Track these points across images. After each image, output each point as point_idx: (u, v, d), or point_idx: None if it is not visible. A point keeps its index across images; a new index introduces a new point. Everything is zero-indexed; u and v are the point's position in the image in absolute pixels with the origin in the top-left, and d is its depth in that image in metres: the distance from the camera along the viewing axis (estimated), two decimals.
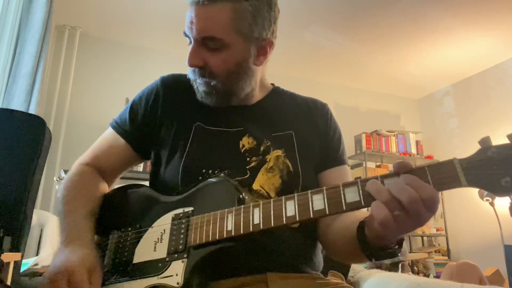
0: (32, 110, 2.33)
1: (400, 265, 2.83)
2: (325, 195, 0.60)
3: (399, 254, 0.65)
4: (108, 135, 0.96)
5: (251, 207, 0.66)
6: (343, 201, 0.59)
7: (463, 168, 0.54)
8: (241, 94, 0.88)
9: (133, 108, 0.94)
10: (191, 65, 0.83)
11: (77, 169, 0.92)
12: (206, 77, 0.84)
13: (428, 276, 3.73)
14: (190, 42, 0.83)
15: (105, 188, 0.92)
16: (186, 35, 0.84)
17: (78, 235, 0.75)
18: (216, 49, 0.81)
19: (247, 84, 0.87)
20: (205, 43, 0.81)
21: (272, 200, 0.65)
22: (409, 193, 0.53)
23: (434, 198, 0.54)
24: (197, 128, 0.87)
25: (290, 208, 0.62)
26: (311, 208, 0.61)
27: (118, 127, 0.94)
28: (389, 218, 0.55)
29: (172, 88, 0.93)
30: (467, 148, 4.28)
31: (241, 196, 0.71)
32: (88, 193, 0.86)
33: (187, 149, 0.84)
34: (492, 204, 3.44)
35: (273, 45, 0.89)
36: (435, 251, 4.22)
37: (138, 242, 0.76)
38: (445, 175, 0.55)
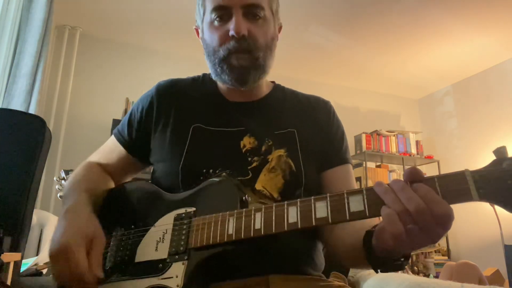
0: (32, 110, 2.33)
1: None
2: (328, 203, 0.59)
3: (405, 267, 0.63)
4: (111, 142, 0.98)
5: (252, 212, 0.65)
6: (346, 210, 0.57)
7: (475, 180, 0.50)
8: (267, 72, 0.88)
9: (131, 117, 0.95)
10: (239, 32, 0.80)
11: (83, 164, 0.95)
12: (246, 50, 0.82)
13: (428, 276, 3.74)
14: (220, 18, 0.82)
15: (109, 180, 0.94)
16: (221, 7, 0.81)
17: (72, 203, 0.76)
18: (257, 19, 0.83)
19: (271, 64, 0.88)
20: (247, 12, 0.82)
21: (274, 205, 0.64)
22: (416, 203, 0.51)
23: (448, 214, 0.51)
24: (195, 129, 0.86)
25: (292, 214, 0.61)
26: (313, 216, 0.59)
27: (119, 135, 0.96)
28: (402, 233, 0.52)
29: (168, 92, 0.93)
30: (467, 148, 4.28)
31: (244, 198, 0.70)
32: (89, 178, 0.89)
33: (185, 151, 0.83)
34: (492, 204, 3.43)
35: (281, 30, 0.94)
36: (435, 251, 4.22)
37: (140, 241, 0.76)
38: (455, 187, 0.51)
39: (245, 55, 0.82)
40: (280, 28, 0.94)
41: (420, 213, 0.51)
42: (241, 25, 0.80)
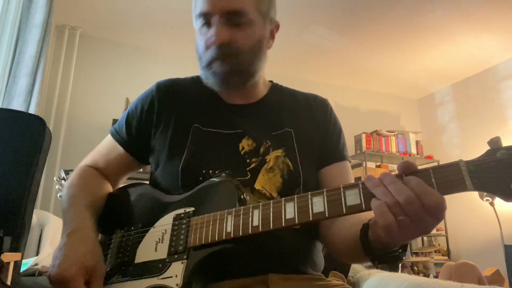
0: (32, 110, 2.33)
1: (400, 265, 2.83)
2: (325, 197, 0.59)
3: (403, 258, 0.63)
4: (107, 142, 0.97)
5: (250, 209, 0.65)
6: (343, 204, 0.57)
7: (469, 171, 0.51)
8: (255, 77, 0.88)
9: (130, 116, 0.94)
10: (220, 41, 0.80)
11: (78, 170, 0.94)
12: (228, 56, 0.82)
13: (428, 276, 3.74)
14: (206, 23, 0.82)
15: (107, 185, 0.93)
16: (203, 14, 0.82)
17: (78, 225, 0.75)
18: (239, 24, 0.81)
19: (261, 67, 0.88)
20: (229, 19, 0.81)
21: (271, 202, 0.64)
22: (406, 194, 0.51)
23: (439, 205, 0.51)
24: (195, 130, 0.87)
25: (290, 210, 0.61)
26: (310, 211, 0.60)
27: (116, 134, 0.95)
28: (393, 224, 0.53)
29: (168, 92, 0.93)
30: (467, 148, 4.28)
31: (242, 196, 0.71)
32: (88, 188, 0.87)
33: (185, 151, 0.84)
34: (492, 204, 3.44)
35: (278, 29, 0.92)
36: (435, 251, 4.22)
37: (140, 242, 0.76)
38: (450, 178, 0.52)
39: (226, 61, 0.82)
40: (277, 27, 0.92)
41: (410, 204, 0.51)
42: (220, 33, 0.80)
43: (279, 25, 0.92)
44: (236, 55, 0.82)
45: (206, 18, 0.82)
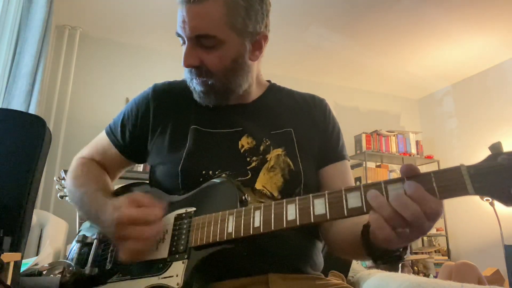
0: (32, 110, 2.33)
1: (400, 265, 2.82)
2: (326, 200, 0.60)
3: (404, 257, 0.64)
4: (103, 140, 0.97)
5: (252, 210, 0.65)
6: (344, 206, 0.58)
7: (471, 175, 0.51)
8: (239, 91, 0.87)
9: (125, 118, 0.94)
10: (186, 65, 0.82)
11: (78, 161, 0.95)
12: (202, 76, 0.83)
13: (428, 276, 3.74)
14: (184, 42, 0.82)
15: (107, 175, 0.95)
16: (178, 35, 0.83)
17: (101, 201, 0.79)
18: (211, 47, 0.80)
19: (244, 80, 0.87)
20: (199, 42, 0.80)
21: (273, 203, 0.64)
22: (412, 210, 0.52)
23: (437, 211, 0.52)
24: (193, 131, 0.87)
25: (291, 211, 0.62)
26: (312, 213, 0.60)
27: (112, 135, 0.95)
28: (392, 235, 0.54)
29: (164, 95, 0.93)
30: (466, 148, 4.28)
31: (243, 197, 0.71)
32: (94, 177, 0.90)
33: (185, 152, 0.84)
34: (492, 204, 3.44)
35: (267, 39, 0.89)
36: (435, 251, 4.22)
37: None
38: (451, 182, 0.52)
39: (200, 81, 0.84)
40: (266, 37, 0.87)
41: (418, 219, 0.52)
42: (187, 57, 0.81)
43: (267, 35, 0.88)
44: (209, 76, 0.83)
45: (182, 38, 0.83)
